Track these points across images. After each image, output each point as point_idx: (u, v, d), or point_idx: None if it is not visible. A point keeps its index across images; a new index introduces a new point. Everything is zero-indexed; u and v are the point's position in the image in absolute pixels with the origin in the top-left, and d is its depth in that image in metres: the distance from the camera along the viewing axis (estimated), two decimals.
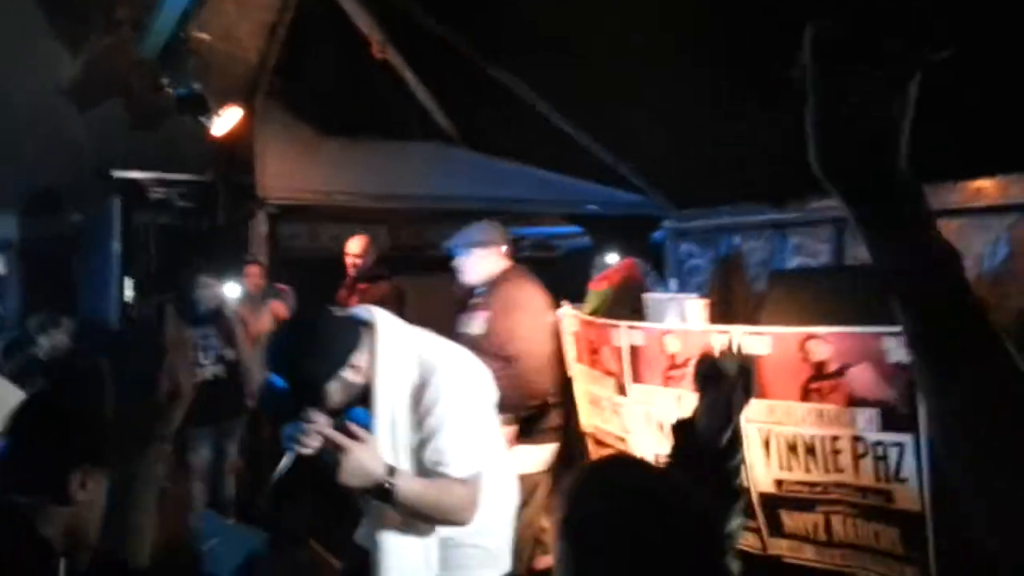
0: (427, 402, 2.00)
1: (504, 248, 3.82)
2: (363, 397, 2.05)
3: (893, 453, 2.48)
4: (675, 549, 1.06)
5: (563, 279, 6.15)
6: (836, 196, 0.87)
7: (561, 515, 1.13)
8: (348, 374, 1.98)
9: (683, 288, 5.01)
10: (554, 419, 3.92)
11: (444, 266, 4.15)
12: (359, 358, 1.99)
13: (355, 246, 5.30)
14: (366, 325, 2.06)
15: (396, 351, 2.04)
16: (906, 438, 2.44)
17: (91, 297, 6.27)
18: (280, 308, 5.41)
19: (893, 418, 2.48)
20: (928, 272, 0.81)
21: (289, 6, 4.81)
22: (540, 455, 3.84)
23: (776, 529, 2.87)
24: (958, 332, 0.79)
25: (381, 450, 1.95)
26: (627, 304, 3.93)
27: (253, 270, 5.35)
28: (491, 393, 2.23)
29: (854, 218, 0.85)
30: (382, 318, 2.09)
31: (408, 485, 1.93)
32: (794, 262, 4.02)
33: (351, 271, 5.32)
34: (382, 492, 1.90)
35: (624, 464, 1.40)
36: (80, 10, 5.05)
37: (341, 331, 2.01)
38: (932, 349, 0.82)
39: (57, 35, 5.33)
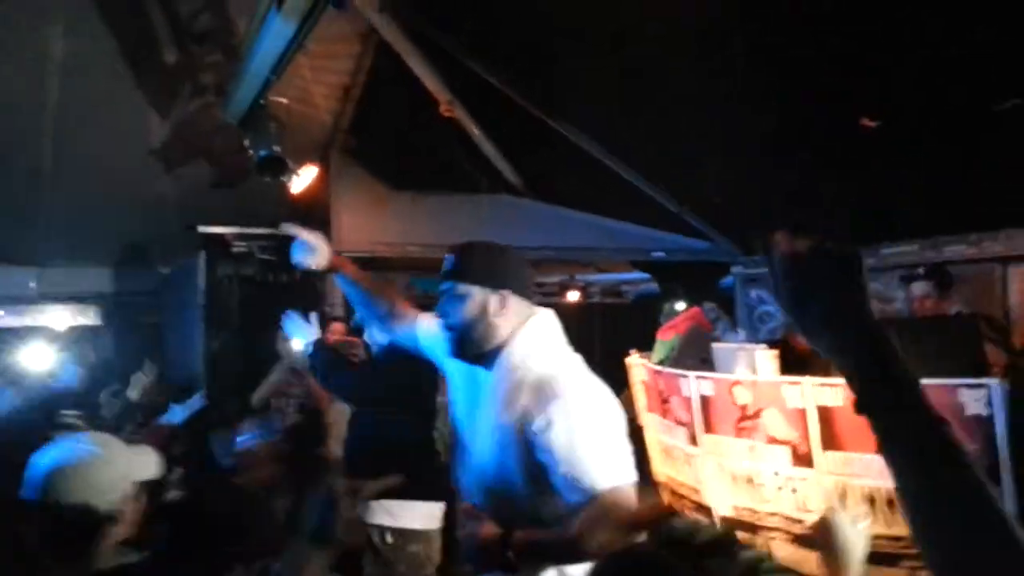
0: (541, 420, 1.83)
1: None
2: (479, 358, 1.99)
3: None
4: None
5: (635, 324, 6.17)
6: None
7: None
8: (492, 303, 1.94)
9: (754, 335, 4.98)
10: None
11: None
12: (505, 308, 1.94)
13: None
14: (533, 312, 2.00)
15: (532, 345, 1.96)
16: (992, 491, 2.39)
17: (178, 347, 6.54)
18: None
19: None
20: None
21: (362, 68, 5.03)
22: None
23: None
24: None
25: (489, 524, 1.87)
26: (695, 353, 3.93)
27: (337, 327, 5.29)
28: (619, 424, 1.94)
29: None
30: (546, 315, 2.03)
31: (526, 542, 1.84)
32: None
33: None
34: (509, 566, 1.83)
35: (647, 561, 1.40)
36: (169, 77, 5.37)
37: (518, 266, 2.00)
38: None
39: (147, 100, 5.66)
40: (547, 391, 1.87)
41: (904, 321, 3.51)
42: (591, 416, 1.86)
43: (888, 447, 0.91)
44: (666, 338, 4.26)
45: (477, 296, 1.94)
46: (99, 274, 6.97)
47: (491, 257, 2.01)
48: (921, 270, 3.45)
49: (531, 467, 1.88)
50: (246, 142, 5.01)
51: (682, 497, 3.76)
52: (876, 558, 2.76)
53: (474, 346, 1.98)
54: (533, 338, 1.97)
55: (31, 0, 4.56)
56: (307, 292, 6.01)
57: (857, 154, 3.77)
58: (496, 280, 1.95)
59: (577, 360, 2.03)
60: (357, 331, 4.98)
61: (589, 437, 1.82)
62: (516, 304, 1.96)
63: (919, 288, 3.42)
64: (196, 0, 4.84)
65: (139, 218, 6.46)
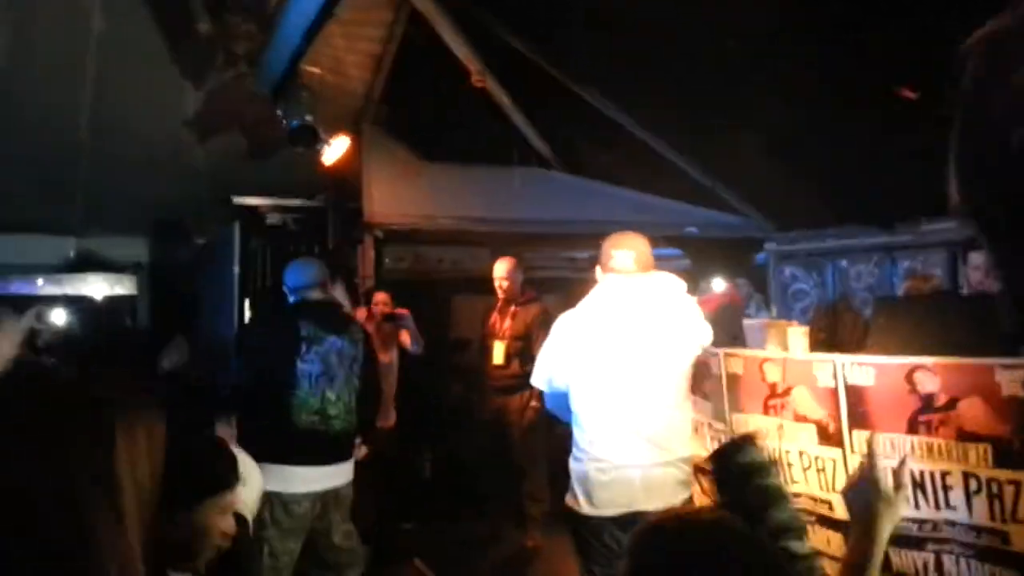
0: None
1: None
2: None
3: (1009, 491, 2.35)
4: None
5: None
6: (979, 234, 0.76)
7: (623, 569, 1.16)
8: None
9: (787, 312, 4.90)
10: None
11: (544, 287, 4.20)
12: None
13: (501, 268, 5.12)
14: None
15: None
16: (1023, 476, 2.32)
17: (212, 317, 6.62)
18: (406, 337, 5.19)
19: (1008, 454, 2.35)
20: None
21: (394, 38, 4.99)
22: None
23: (884, 568, 2.76)
24: None
25: None
26: (726, 330, 3.87)
27: (381, 297, 5.26)
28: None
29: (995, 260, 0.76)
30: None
31: None
32: (904, 287, 3.88)
33: (500, 294, 5.19)
34: None
35: (687, 521, 1.39)
36: (202, 47, 5.39)
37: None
38: None
39: (181, 70, 5.69)
40: None
41: (943, 296, 3.42)
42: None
43: None
44: None
45: None
46: (136, 244, 7.07)
47: None
48: None
49: None
50: (279, 112, 5.02)
51: (707, 472, 3.73)
52: (901, 541, 2.71)
53: None
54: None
55: None
56: (339, 264, 6.03)
57: (896, 126, 3.66)
58: None
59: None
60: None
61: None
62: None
63: (981, 259, 3.27)
64: None
65: (175, 188, 6.53)
